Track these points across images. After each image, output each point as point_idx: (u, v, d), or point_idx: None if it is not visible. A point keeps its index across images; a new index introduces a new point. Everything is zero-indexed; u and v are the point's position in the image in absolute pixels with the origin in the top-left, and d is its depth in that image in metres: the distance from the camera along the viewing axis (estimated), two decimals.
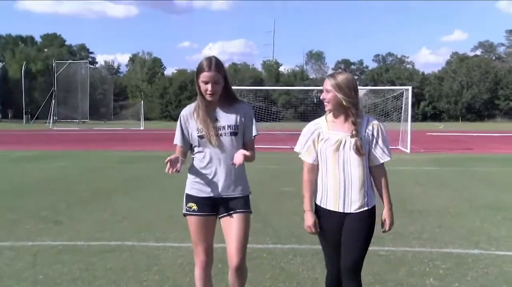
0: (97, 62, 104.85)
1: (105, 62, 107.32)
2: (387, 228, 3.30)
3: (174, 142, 3.40)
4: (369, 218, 3.20)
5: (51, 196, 9.29)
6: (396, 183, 10.29)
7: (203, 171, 3.34)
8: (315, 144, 3.25)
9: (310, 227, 3.27)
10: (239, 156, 3.17)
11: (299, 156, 3.31)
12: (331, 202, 3.20)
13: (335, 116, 3.23)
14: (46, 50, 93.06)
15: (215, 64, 3.23)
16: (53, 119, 55.38)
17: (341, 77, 3.16)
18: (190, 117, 3.36)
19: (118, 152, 20.16)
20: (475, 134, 37.64)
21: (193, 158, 3.42)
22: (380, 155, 3.20)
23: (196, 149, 3.36)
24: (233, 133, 3.31)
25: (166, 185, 10.43)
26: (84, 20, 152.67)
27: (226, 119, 3.32)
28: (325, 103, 3.21)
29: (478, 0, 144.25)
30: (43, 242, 5.95)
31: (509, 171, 13.63)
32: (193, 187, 3.38)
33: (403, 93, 24.36)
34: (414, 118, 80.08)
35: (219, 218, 3.40)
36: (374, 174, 3.25)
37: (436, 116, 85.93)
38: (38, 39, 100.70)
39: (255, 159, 3.36)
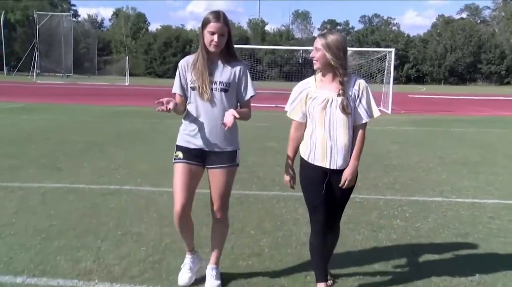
0: (79, 15, 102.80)
1: (89, 16, 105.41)
2: (345, 185, 3.31)
3: (173, 91, 3.44)
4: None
5: (47, 145, 9.74)
6: (374, 141, 10.94)
7: (193, 123, 3.39)
8: (303, 102, 3.34)
9: (287, 182, 3.50)
10: (229, 117, 3.20)
11: (287, 114, 3.43)
12: (318, 158, 3.30)
13: (323, 75, 3.32)
14: None
15: (223, 16, 3.28)
16: (36, 72, 54.72)
17: (331, 37, 3.22)
18: (187, 67, 3.40)
19: (105, 107, 20.49)
20: (456, 97, 38.47)
21: (186, 109, 3.47)
22: (363, 114, 3.29)
23: (188, 100, 3.42)
24: (224, 90, 3.34)
25: (158, 139, 10.94)
26: None
27: (221, 74, 3.36)
28: (314, 61, 3.30)
29: None
30: (48, 184, 6.47)
31: (482, 131, 14.36)
32: (183, 138, 3.45)
33: (386, 55, 24.76)
34: (398, 81, 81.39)
35: (207, 168, 3.48)
36: (354, 132, 3.36)
37: (419, 79, 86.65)
38: None
39: (250, 117, 3.49)
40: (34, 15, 69.81)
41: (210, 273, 3.58)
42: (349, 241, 4.60)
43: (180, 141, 3.46)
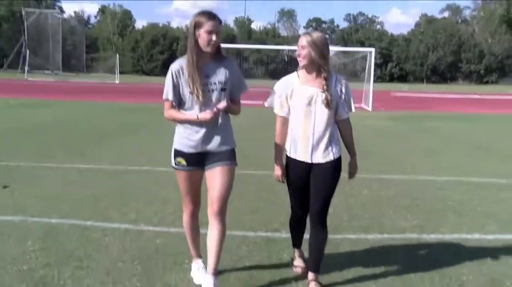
0: (64, 12, 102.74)
1: (75, 13, 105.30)
2: (352, 176, 3.70)
3: (165, 97, 3.38)
4: (335, 167, 3.50)
5: (63, 135, 11.06)
6: (355, 133, 12.37)
7: (191, 126, 3.38)
8: (288, 98, 3.46)
9: (279, 177, 3.65)
10: (221, 104, 3.30)
11: (274, 111, 3.56)
12: (300, 152, 3.45)
13: (308, 72, 3.42)
14: None
15: (217, 15, 3.30)
16: (27, 69, 55.52)
17: (316, 35, 3.37)
18: (181, 72, 3.35)
19: (102, 103, 21.70)
20: (435, 95, 40.22)
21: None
22: (346, 110, 3.50)
23: (185, 104, 3.38)
24: (223, 89, 3.36)
25: (163, 130, 12.25)
26: None
27: (217, 75, 3.36)
28: (299, 59, 3.40)
29: None
30: (78, 165, 7.78)
31: (452, 125, 15.93)
32: (181, 141, 3.43)
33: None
34: (382, 79, 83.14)
35: (205, 169, 3.47)
36: (341, 127, 3.56)
37: (402, 77, 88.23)
38: None
39: (240, 112, 3.56)
40: (22, 12, 70.09)
41: (211, 283, 3.36)
42: None
43: (179, 146, 3.45)
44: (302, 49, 3.37)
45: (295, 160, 3.50)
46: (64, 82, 44.87)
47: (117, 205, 5.59)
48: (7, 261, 3.93)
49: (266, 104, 3.65)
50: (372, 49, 25.42)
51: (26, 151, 8.86)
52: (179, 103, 3.40)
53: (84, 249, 4.22)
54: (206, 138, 3.38)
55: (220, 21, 3.32)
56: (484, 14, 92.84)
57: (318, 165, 3.45)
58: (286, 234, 4.69)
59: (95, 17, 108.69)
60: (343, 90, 3.47)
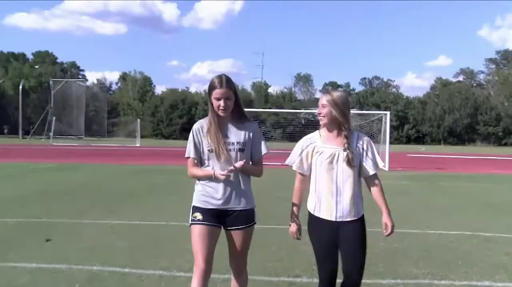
0: (87, 80, 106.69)
1: (98, 80, 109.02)
2: (389, 231, 3.54)
3: (187, 155, 3.51)
4: (361, 225, 3.49)
5: (93, 195, 11.67)
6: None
7: (210, 184, 3.46)
8: (308, 156, 3.47)
9: (293, 233, 3.57)
10: (239, 163, 3.39)
11: (293, 168, 3.57)
12: (324, 211, 3.41)
13: (329, 130, 3.45)
14: (37, 67, 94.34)
15: (225, 81, 3.38)
16: (52, 135, 57.52)
17: (336, 94, 3.42)
18: (202, 131, 3.47)
19: (125, 166, 22.49)
20: (451, 156, 40.50)
21: None
22: (371, 166, 3.47)
23: (205, 163, 3.49)
24: (241, 150, 3.45)
25: (186, 190, 12.80)
26: (73, 36, 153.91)
27: (236, 135, 3.46)
28: (320, 117, 3.44)
29: (462, 26, 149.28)
30: (110, 221, 8.32)
31: (466, 184, 16.25)
32: (200, 199, 3.50)
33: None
34: (399, 141, 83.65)
35: (226, 229, 3.53)
36: (369, 184, 3.54)
37: (419, 139, 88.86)
38: (29, 56, 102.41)
39: (262, 174, 3.61)
40: (50, 82, 73.20)
41: None
42: None
43: (196, 203, 3.52)
44: (323, 107, 3.41)
45: (318, 218, 3.45)
46: (87, 147, 46.31)
47: (150, 255, 6.08)
48: None
49: (286, 161, 3.63)
50: (387, 112, 26.06)
51: (61, 210, 9.45)
52: (200, 162, 3.52)
53: None
54: (225, 197, 3.44)
55: (230, 87, 3.40)
56: (498, 78, 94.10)
57: (344, 223, 3.41)
58: (306, 279, 5.16)
59: (116, 83, 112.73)
60: (365, 147, 3.48)
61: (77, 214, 9.00)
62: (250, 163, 3.54)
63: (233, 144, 3.44)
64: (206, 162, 3.48)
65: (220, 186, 3.44)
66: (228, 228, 3.50)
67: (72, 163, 23.26)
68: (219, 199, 3.44)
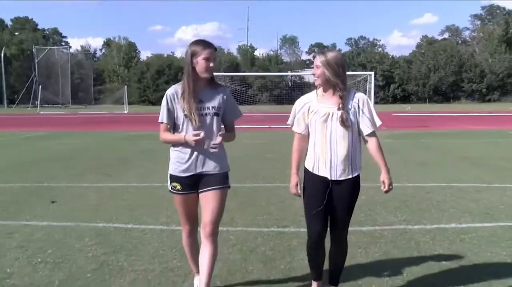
0: (71, 47, 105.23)
1: (82, 47, 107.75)
2: (386, 188, 3.54)
3: (160, 120, 3.53)
4: (353, 185, 3.52)
5: (89, 161, 12.15)
6: None
7: (184, 150, 3.50)
8: (305, 116, 3.50)
9: (293, 187, 3.58)
10: (218, 138, 3.44)
11: (291, 128, 3.62)
12: (322, 169, 3.46)
13: (324, 90, 3.46)
14: (17, 34, 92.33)
15: (212, 43, 3.48)
16: (36, 103, 57.28)
17: (330, 55, 3.39)
18: (176, 97, 3.49)
19: (116, 132, 22.91)
20: (435, 114, 41.29)
21: None
22: (367, 124, 3.47)
23: (179, 128, 3.52)
24: (216, 114, 3.51)
25: None
26: (53, 2, 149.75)
27: (210, 100, 3.51)
28: (314, 78, 3.44)
29: None
30: (108, 184, 8.83)
31: (446, 141, 16.95)
32: (175, 167, 3.57)
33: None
34: (385, 101, 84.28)
35: (199, 192, 3.58)
36: (366, 142, 3.55)
37: (405, 98, 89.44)
38: (8, 22, 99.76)
39: (235, 138, 3.73)
40: (33, 50, 72.15)
41: None
42: None
43: (173, 171, 3.59)
44: (317, 68, 3.41)
45: (314, 175, 3.50)
46: (75, 115, 46.51)
47: (150, 212, 6.61)
48: (74, 250, 4.99)
49: (288, 122, 3.65)
50: (372, 73, 26.51)
51: (60, 175, 9.92)
52: (174, 127, 3.56)
53: (130, 243, 5.25)
54: (199, 162, 3.51)
55: (215, 49, 3.52)
56: (483, 34, 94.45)
57: (337, 182, 3.46)
58: (294, 229, 5.73)
59: (101, 50, 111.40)
60: (361, 106, 3.46)
61: (77, 178, 9.47)
62: (222, 126, 3.63)
63: (208, 108, 3.50)
64: (180, 127, 3.52)
65: (194, 152, 3.49)
66: (202, 190, 3.55)
67: (63, 131, 23.62)
68: (193, 166, 3.51)
